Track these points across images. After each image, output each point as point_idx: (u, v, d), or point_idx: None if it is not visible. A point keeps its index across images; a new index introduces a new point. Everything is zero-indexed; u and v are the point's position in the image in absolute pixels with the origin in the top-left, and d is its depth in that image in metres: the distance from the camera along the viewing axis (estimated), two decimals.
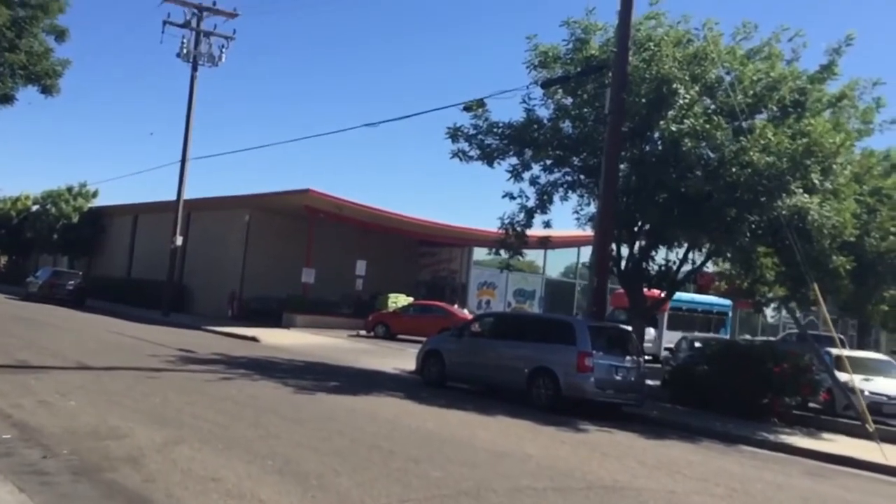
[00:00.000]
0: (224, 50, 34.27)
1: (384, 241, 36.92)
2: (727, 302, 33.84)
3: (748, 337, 37.68)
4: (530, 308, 40.05)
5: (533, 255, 34.17)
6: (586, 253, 41.83)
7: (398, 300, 33.78)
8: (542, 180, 18.83)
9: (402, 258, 39.62)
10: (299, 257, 32.99)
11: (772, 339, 35.27)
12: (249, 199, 35.36)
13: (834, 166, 15.21)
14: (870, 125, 18.59)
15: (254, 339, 24.92)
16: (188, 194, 34.42)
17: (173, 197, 34.46)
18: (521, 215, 18.94)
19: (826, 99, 16.95)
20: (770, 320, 48.93)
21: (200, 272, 37.16)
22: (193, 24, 33.91)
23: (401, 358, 21.91)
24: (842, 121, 16.76)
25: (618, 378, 14.87)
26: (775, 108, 16.38)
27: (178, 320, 30.09)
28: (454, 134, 18.37)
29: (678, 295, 25.15)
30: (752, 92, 16.24)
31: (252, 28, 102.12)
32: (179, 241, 34.08)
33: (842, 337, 37.71)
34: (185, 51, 33.79)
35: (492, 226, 20.31)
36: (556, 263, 42.99)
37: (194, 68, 34.08)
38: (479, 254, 39.09)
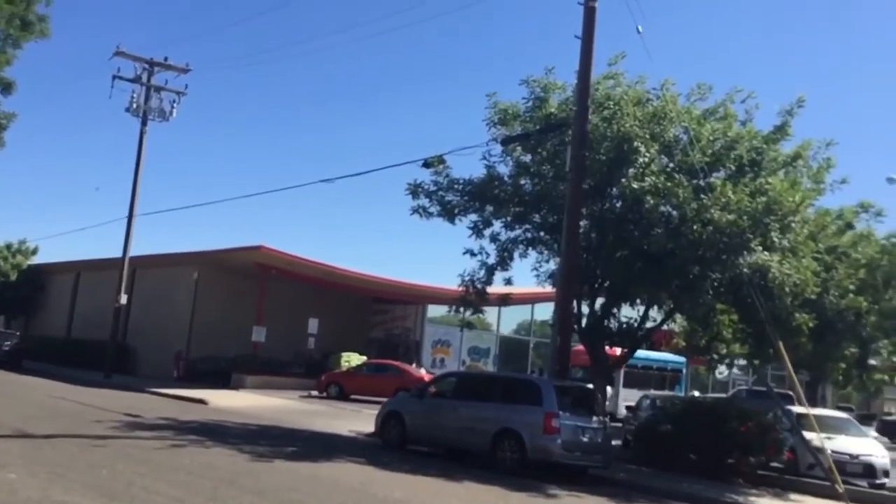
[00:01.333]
0: (175, 105, 33.74)
1: (337, 299, 36.31)
2: (681, 359, 33.99)
3: (696, 393, 37.83)
4: (485, 366, 39.65)
5: (486, 312, 33.93)
6: (540, 309, 41.91)
7: (351, 359, 33.08)
8: (503, 237, 18.77)
9: (354, 316, 39.00)
10: (249, 315, 32.14)
11: (723, 395, 35.44)
12: (198, 255, 34.52)
13: (793, 224, 15.40)
14: (821, 185, 19.01)
15: (202, 401, 23.96)
16: (134, 251, 33.45)
17: (118, 254, 33.43)
18: (482, 272, 18.75)
19: (781, 159, 17.28)
20: (719, 377, 49.38)
21: (145, 332, 35.93)
22: (144, 78, 33.38)
23: (357, 419, 21.24)
24: (798, 180, 17.07)
25: (584, 439, 14.52)
26: (733, 167, 16.62)
27: (122, 382, 28.87)
28: (415, 190, 18.20)
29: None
30: (710, 151, 16.48)
31: (206, 83, 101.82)
32: (124, 299, 32.93)
33: (791, 393, 38.13)
34: (134, 105, 33.15)
35: (447, 283, 20.14)
36: (508, 320, 42.81)
37: (144, 123, 33.42)
38: (434, 311, 38.73)
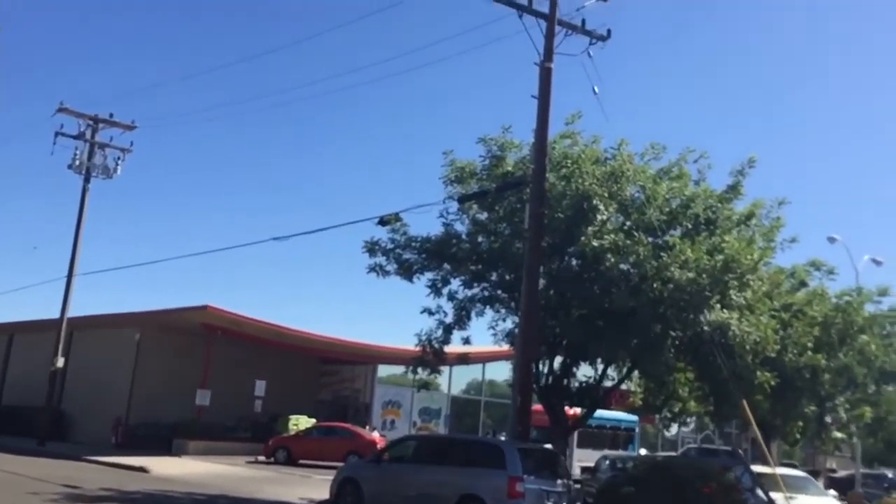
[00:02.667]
0: (120, 162, 33.02)
1: (284, 360, 35.36)
2: (634, 418, 33.85)
3: (644, 451, 37.72)
4: (436, 428, 38.91)
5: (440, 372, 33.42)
6: (492, 369, 41.53)
7: (299, 422, 32.15)
8: (461, 295, 18.53)
9: (302, 377, 38.00)
10: (194, 378, 31.00)
11: (673, 453, 35.34)
12: (141, 316, 33.34)
13: (751, 282, 15.53)
14: (772, 243, 19.32)
15: (143, 469, 22.84)
16: (73, 312, 32.20)
17: (55, 315, 32.12)
18: (439, 331, 18.44)
19: (735, 217, 17.52)
20: (668, 435, 49.47)
21: (82, 396, 34.32)
22: (88, 135, 32.67)
23: (308, 486, 20.45)
24: (754, 238, 17.30)
25: None
26: (689, 226, 16.77)
27: (57, 450, 27.41)
28: (372, 248, 17.93)
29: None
30: (667, 209, 16.62)
31: (152, 139, 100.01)
32: (61, 362, 31.55)
33: (739, 451, 38.33)
34: (77, 162, 32.34)
35: (402, 342, 19.79)
36: (459, 380, 42.22)
37: (87, 180, 32.56)
38: (384, 371, 38.07)
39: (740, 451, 38.20)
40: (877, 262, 36.51)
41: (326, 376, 39.89)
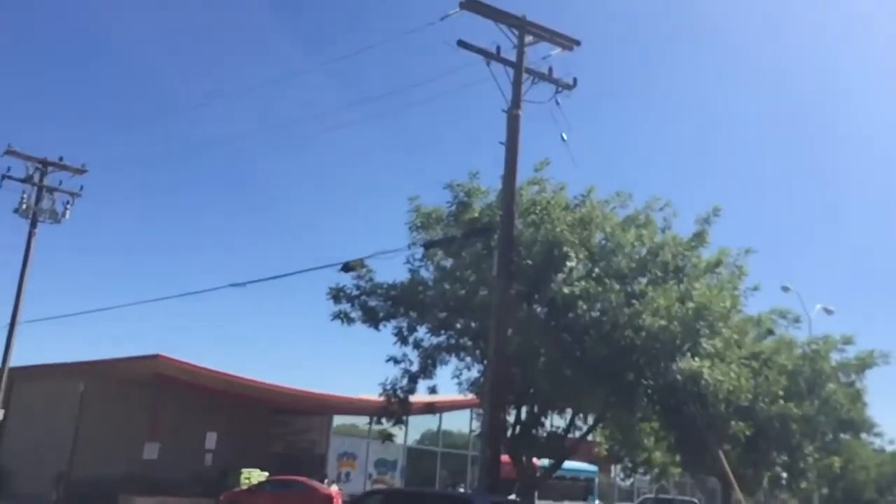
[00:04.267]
0: (69, 206, 31.99)
1: (237, 410, 34.29)
2: (593, 468, 33.53)
3: (598, 503, 37.36)
4: (392, 480, 37.99)
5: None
6: (449, 419, 40.84)
7: (252, 476, 31.02)
8: (427, 343, 18.17)
9: (255, 428, 36.86)
10: (142, 430, 29.79)
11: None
12: (88, 365, 32.05)
13: (723, 330, 15.50)
14: (735, 291, 19.39)
15: None
16: (15, 361, 30.79)
17: None
18: (404, 380, 18.01)
19: (703, 265, 17.57)
20: (623, 485, 49.23)
21: (23, 450, 32.65)
22: (36, 178, 31.66)
23: None
24: (725, 285, 17.34)
25: None
26: (659, 273, 16.74)
27: None
28: (336, 294, 17.50)
29: (545, 462, 24.44)
30: (637, 256, 16.58)
31: (106, 182, 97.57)
32: (0, 414, 30.06)
33: (695, 501, 38.20)
34: (24, 206, 31.26)
35: (362, 391, 19.30)
36: (414, 431, 41.41)
37: (33, 225, 31.34)
38: (338, 421, 37.21)
39: (695, 500, 38.15)
40: (828, 311, 37.28)
41: (280, 427, 38.81)
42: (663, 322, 14.74)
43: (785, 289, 31.95)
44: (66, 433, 31.50)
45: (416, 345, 17.97)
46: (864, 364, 20.43)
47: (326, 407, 35.73)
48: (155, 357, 28.69)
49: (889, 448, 42.46)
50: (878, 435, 34.36)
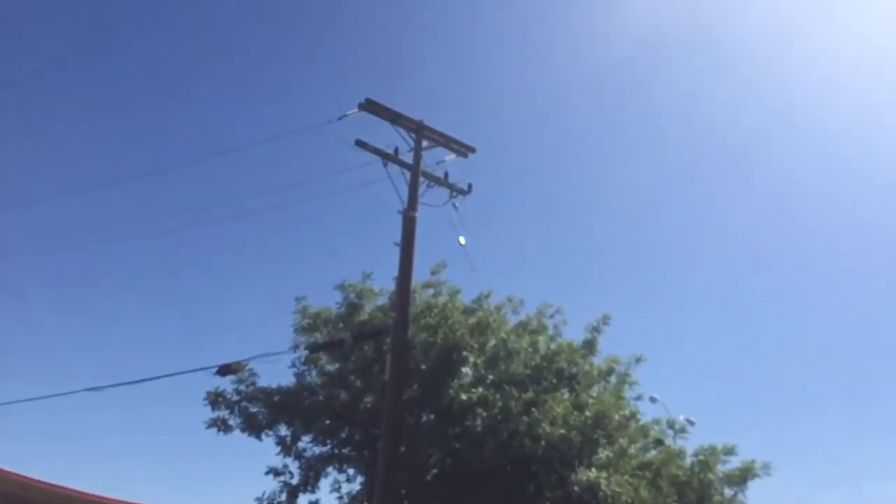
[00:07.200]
0: None
1: None
2: None
3: None
4: None
5: None
6: None
7: None
8: (309, 453, 17.02)
9: None
10: None
11: None
12: None
13: (621, 440, 15.36)
14: (621, 400, 19.44)
15: None
16: None
17: None
18: (283, 495, 16.67)
19: (595, 373, 17.56)
20: None
21: None
22: None
23: None
24: (622, 395, 17.31)
25: None
26: (554, 380, 16.56)
27: None
28: (215, 400, 16.16)
29: None
30: (533, 363, 16.37)
31: None
32: None
33: None
34: None
35: None
36: None
37: None
38: None
39: None
40: (690, 422, 38.29)
41: None
42: (563, 431, 14.44)
43: (653, 399, 32.56)
44: None
45: (299, 455, 16.78)
46: (746, 474, 20.78)
47: None
48: None
49: None
50: None
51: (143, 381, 18.54)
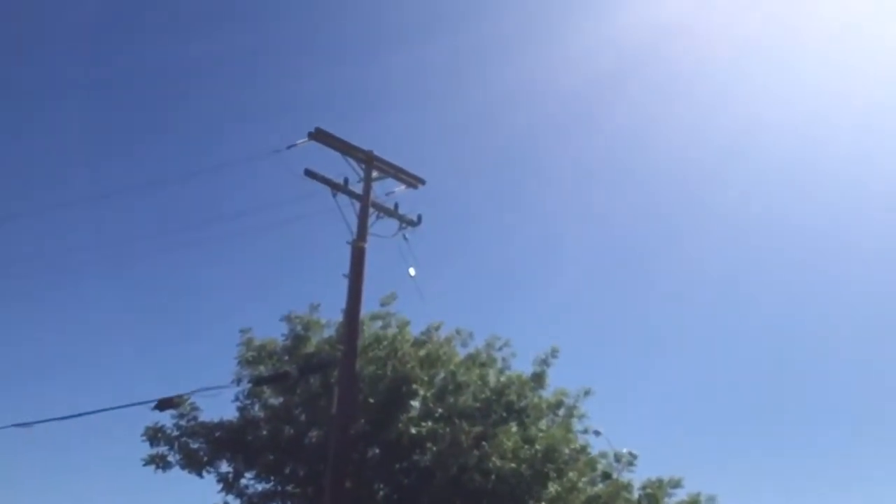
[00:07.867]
0: None
1: None
2: None
3: None
4: None
5: None
6: None
7: None
8: (252, 490, 16.46)
9: None
10: None
11: None
12: None
13: (570, 474, 15.23)
14: (570, 434, 19.32)
15: None
16: None
17: None
18: None
19: (544, 406, 17.44)
20: None
21: None
22: None
23: None
24: (571, 428, 17.20)
25: None
26: (504, 413, 16.39)
27: None
28: (154, 435, 15.55)
29: None
30: (482, 396, 16.20)
31: None
32: None
33: None
34: None
35: None
36: None
37: None
38: None
39: None
40: (632, 455, 38.37)
41: None
42: (513, 465, 14.27)
43: (596, 433, 32.54)
44: None
45: (241, 492, 16.22)
46: None
47: None
48: None
49: None
50: None
51: (76, 416, 17.72)
